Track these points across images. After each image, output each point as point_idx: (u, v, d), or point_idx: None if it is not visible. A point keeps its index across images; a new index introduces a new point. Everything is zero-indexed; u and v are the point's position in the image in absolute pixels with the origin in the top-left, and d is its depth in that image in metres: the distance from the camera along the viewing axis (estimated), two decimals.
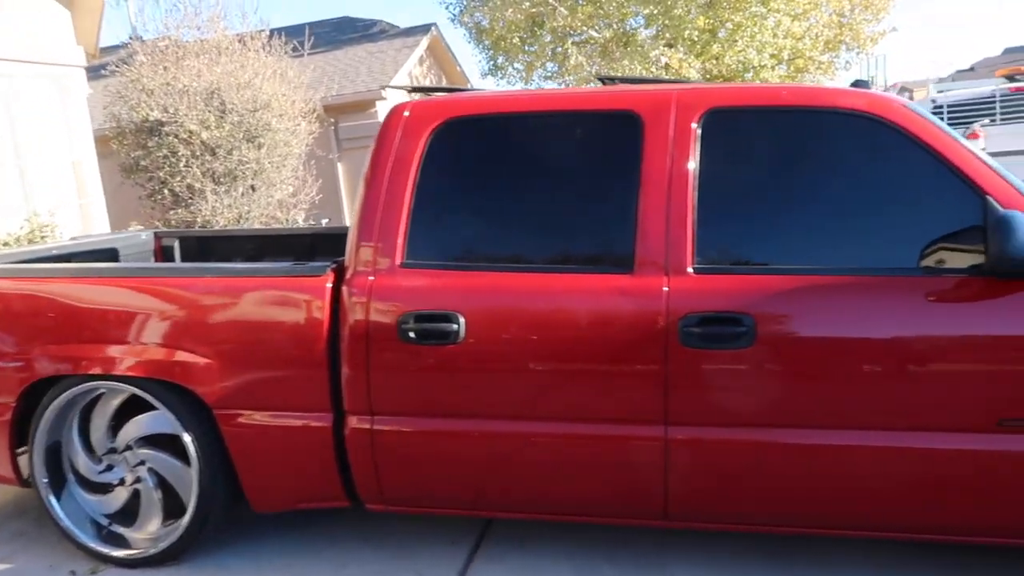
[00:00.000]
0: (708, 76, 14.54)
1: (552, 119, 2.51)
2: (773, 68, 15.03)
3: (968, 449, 2.14)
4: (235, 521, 2.90)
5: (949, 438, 2.15)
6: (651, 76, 13.03)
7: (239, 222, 8.65)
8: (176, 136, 8.39)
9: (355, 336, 2.41)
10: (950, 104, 6.98)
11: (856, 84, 2.59)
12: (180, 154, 8.44)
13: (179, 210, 8.88)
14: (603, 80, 2.95)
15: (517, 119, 2.54)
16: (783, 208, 2.34)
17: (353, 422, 2.46)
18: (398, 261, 2.44)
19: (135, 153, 8.75)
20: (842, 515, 2.29)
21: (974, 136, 6.00)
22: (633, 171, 2.34)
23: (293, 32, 10.52)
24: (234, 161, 8.60)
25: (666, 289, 2.25)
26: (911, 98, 14.08)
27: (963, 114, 6.83)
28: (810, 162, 2.37)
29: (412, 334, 2.36)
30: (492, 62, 16.94)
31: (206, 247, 4.19)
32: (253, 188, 8.92)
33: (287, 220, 9.22)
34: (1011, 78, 6.99)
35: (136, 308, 2.58)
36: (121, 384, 2.60)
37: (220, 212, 8.65)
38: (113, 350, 2.57)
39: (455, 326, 2.33)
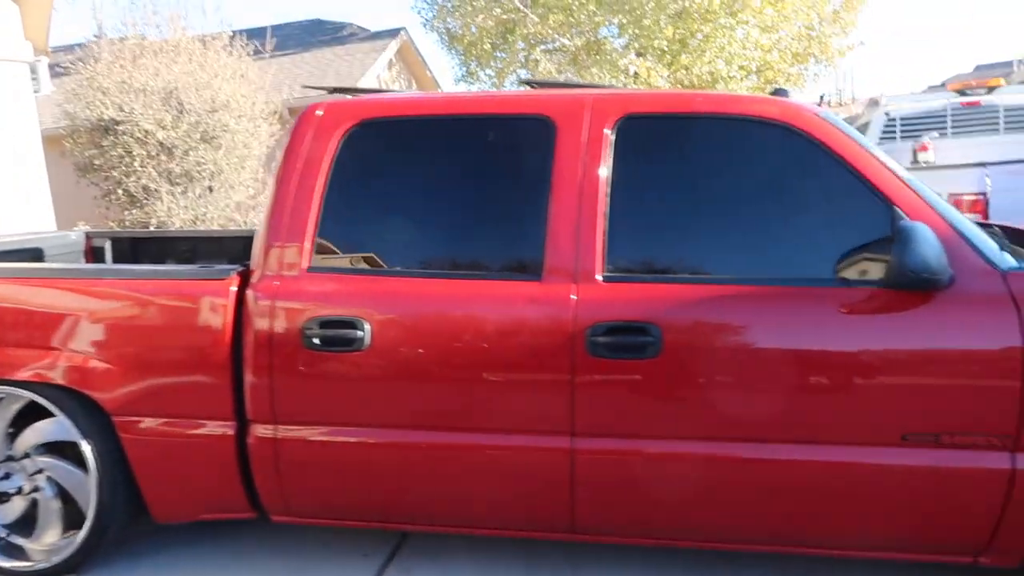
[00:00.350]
0: (679, 86, 14.61)
1: (467, 123, 2.46)
2: (742, 80, 15.16)
3: (874, 463, 2.11)
4: (138, 532, 2.79)
5: (856, 452, 2.12)
6: (616, 84, 13.05)
7: (195, 224, 8.53)
8: (131, 135, 8.27)
9: (259, 342, 2.34)
10: (903, 117, 7.06)
11: (776, 93, 2.57)
12: (135, 154, 8.32)
13: (134, 211, 8.74)
14: (531, 84, 2.91)
15: (431, 122, 2.48)
16: (695, 217, 2.31)
17: (257, 430, 2.38)
18: (305, 265, 2.37)
19: (89, 152, 8.61)
20: (750, 528, 2.25)
21: (923, 148, 6.07)
22: (545, 177, 2.30)
23: (258, 33, 10.41)
24: (191, 162, 8.48)
25: (574, 297, 2.21)
26: None
27: (915, 127, 6.91)
28: (723, 170, 2.34)
29: (316, 340, 2.29)
30: (465, 68, 16.91)
31: (139, 248, 4.09)
32: (211, 189, 8.80)
33: (245, 223, 9.10)
34: (962, 92, 7.09)
35: (35, 310, 2.49)
36: (18, 389, 2.50)
37: (176, 213, 8.52)
38: (9, 353, 2.47)
39: (360, 333, 2.27)
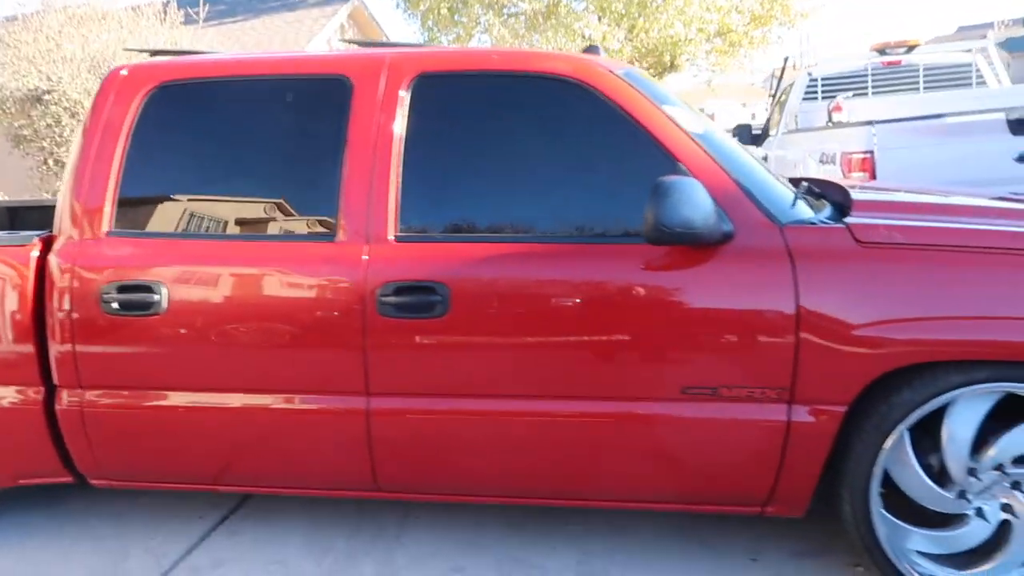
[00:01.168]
0: (637, 50, 14.49)
1: (268, 84, 2.43)
2: (702, 43, 15.03)
3: (657, 415, 2.13)
4: None
5: (639, 406, 2.14)
6: (572, 49, 12.90)
7: None
8: (59, 105, 8.14)
9: (61, 308, 2.32)
10: (824, 77, 7.04)
11: (588, 50, 2.54)
12: (64, 123, 8.20)
13: None
14: (361, 45, 2.88)
15: (234, 84, 2.45)
16: (488, 176, 2.30)
17: (64, 396, 2.38)
18: (106, 229, 2.35)
19: (19, 123, 8.48)
20: (543, 483, 2.27)
21: (837, 109, 6.05)
22: (341, 137, 2.28)
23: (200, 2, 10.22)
24: None
25: (365, 258, 2.20)
26: None
27: (837, 87, 6.88)
28: (517, 129, 2.32)
29: (115, 305, 2.28)
30: (426, 34, 16.70)
31: (17, 217, 4.05)
32: None
33: None
34: (882, 52, 7.06)
35: None
36: None
37: None
38: None
39: (157, 296, 2.26)
